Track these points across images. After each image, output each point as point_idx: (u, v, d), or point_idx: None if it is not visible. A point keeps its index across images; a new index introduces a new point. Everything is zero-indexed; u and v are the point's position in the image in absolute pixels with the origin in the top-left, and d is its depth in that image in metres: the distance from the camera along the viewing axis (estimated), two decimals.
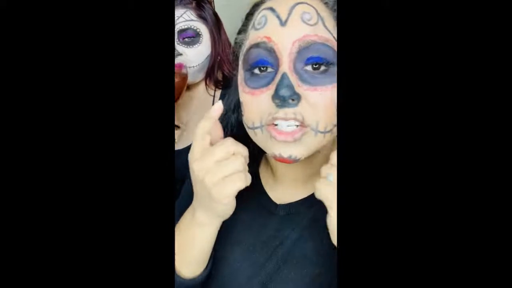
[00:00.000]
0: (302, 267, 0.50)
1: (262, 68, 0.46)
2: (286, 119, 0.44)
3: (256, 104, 0.46)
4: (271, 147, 0.46)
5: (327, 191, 0.41)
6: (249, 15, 0.51)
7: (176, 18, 0.89)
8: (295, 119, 0.43)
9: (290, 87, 0.43)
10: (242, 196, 0.53)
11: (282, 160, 0.46)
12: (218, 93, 0.99)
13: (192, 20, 0.91)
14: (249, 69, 0.47)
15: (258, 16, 0.48)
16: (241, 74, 0.49)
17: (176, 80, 1.05)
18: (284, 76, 0.43)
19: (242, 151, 0.45)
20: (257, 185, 0.58)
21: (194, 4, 0.92)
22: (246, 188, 0.49)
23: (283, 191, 0.56)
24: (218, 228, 0.51)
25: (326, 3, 0.47)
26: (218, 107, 0.46)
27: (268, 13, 0.46)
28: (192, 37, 0.90)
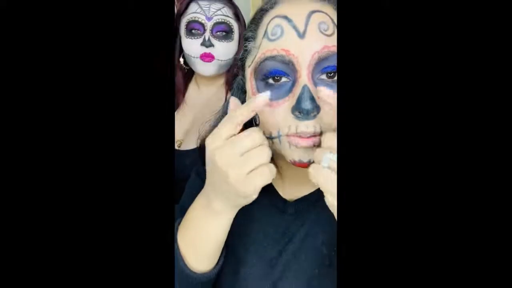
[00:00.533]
0: (312, 262, 0.50)
1: (276, 78, 0.46)
2: (307, 133, 0.44)
3: (274, 115, 0.45)
4: (291, 154, 0.46)
5: (322, 175, 0.41)
6: (256, 21, 0.50)
7: (214, 11, 0.91)
8: (314, 132, 0.44)
9: (312, 99, 0.43)
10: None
11: (301, 165, 0.46)
12: (229, 95, 0.99)
13: (228, 16, 0.93)
14: (263, 79, 0.46)
15: (271, 25, 0.46)
16: (251, 83, 0.48)
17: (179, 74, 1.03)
18: (305, 88, 0.43)
19: (267, 142, 0.43)
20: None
21: (230, 2, 0.94)
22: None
23: (291, 188, 0.56)
24: (233, 216, 0.49)
25: (335, 9, 0.46)
26: (264, 100, 0.42)
27: (284, 23, 0.45)
28: (226, 32, 0.92)
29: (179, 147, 0.99)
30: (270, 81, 0.46)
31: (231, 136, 0.42)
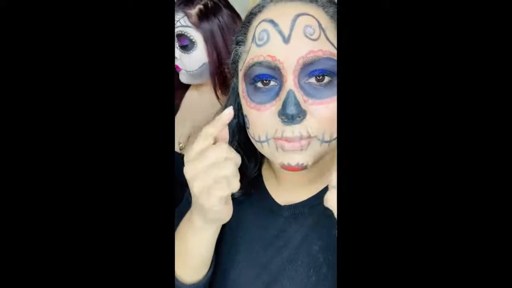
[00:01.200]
0: (307, 267, 0.50)
1: (265, 81, 0.46)
2: (294, 137, 0.44)
3: (262, 120, 0.46)
4: (279, 157, 0.46)
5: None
6: (246, 24, 0.50)
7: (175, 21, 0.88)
8: (300, 136, 0.44)
9: (297, 105, 0.43)
10: (247, 198, 0.55)
11: (290, 168, 0.46)
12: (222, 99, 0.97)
13: (187, 26, 0.88)
14: (252, 82, 0.47)
15: (258, 29, 0.47)
16: (242, 86, 0.49)
17: None
18: (290, 93, 0.43)
19: (235, 157, 0.42)
20: (261, 186, 0.58)
21: (196, 9, 0.88)
22: (250, 189, 0.49)
23: (286, 193, 0.56)
24: (217, 233, 0.50)
25: (326, 11, 0.46)
26: (229, 113, 0.43)
27: (270, 28, 0.45)
28: (186, 44, 0.88)
29: (180, 150, 0.99)
30: (259, 84, 0.46)
31: (201, 150, 0.42)
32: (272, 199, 0.57)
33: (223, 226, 0.51)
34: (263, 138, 0.47)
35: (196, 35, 0.88)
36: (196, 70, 0.91)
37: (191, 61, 0.90)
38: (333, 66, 0.44)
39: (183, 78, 0.94)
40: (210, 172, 0.41)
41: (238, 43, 0.51)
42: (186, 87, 1.06)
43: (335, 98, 0.44)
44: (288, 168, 0.46)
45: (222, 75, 0.92)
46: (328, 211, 0.42)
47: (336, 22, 0.46)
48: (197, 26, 0.88)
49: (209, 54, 0.90)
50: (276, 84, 0.46)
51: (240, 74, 0.50)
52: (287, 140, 0.45)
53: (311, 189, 0.54)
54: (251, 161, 0.58)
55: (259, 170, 0.60)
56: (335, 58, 0.44)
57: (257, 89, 0.47)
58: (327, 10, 0.46)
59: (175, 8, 0.88)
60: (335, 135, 0.45)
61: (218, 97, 0.96)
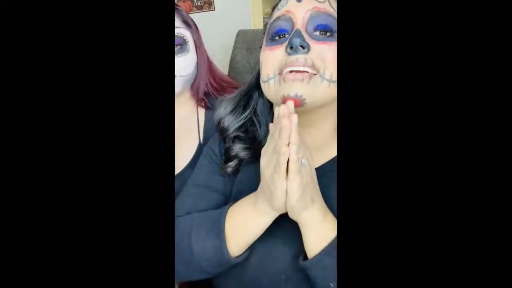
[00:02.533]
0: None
1: (280, 36, 0.55)
2: (297, 64, 0.51)
3: (272, 57, 0.54)
4: (281, 90, 0.52)
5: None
6: (274, 7, 0.61)
7: None
8: (304, 64, 0.51)
9: (301, 37, 0.51)
10: (254, 173, 0.57)
11: (288, 99, 0.50)
12: (202, 113, 0.91)
13: (178, 27, 0.84)
14: (271, 38, 0.56)
15: (282, 1, 0.58)
16: (264, 44, 0.58)
17: None
18: (297, 30, 0.53)
19: (286, 151, 0.45)
20: None
21: (178, 10, 0.86)
22: (256, 156, 0.56)
23: None
24: (272, 220, 0.54)
25: None
26: (288, 108, 0.45)
27: None
28: (180, 45, 0.84)
29: None
30: (276, 38, 0.56)
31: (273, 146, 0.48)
32: None
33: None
34: (271, 75, 0.54)
35: (186, 34, 0.85)
36: (190, 73, 0.87)
37: (187, 62, 0.85)
38: (333, 23, 0.53)
39: (178, 87, 0.86)
40: (272, 160, 0.47)
41: (266, 23, 0.60)
42: None
43: (335, 43, 0.52)
44: (287, 98, 0.50)
45: (201, 80, 0.89)
46: (331, 179, 0.52)
47: None
48: (184, 23, 0.86)
49: (197, 50, 0.88)
50: (289, 35, 0.55)
51: (264, 38, 0.59)
52: (292, 72, 0.51)
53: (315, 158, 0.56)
54: (263, 129, 0.64)
55: None
56: (335, 17, 0.54)
57: (273, 40, 0.56)
58: None
59: None
60: (334, 77, 0.52)
61: (200, 106, 0.91)
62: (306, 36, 0.52)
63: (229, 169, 0.63)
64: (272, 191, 0.48)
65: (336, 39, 0.53)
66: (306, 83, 0.50)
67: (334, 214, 0.53)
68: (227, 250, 0.54)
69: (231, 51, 1.40)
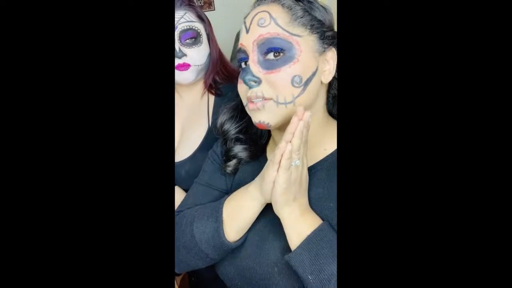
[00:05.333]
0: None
1: (242, 64, 0.62)
2: (252, 97, 0.58)
3: (241, 89, 0.62)
4: (252, 117, 0.60)
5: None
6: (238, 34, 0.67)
7: (176, 20, 0.90)
8: (257, 96, 0.57)
9: (250, 73, 0.57)
10: (252, 172, 0.64)
11: (258, 125, 0.59)
12: (212, 99, 0.99)
13: (192, 21, 0.92)
14: (239, 63, 0.63)
15: (241, 30, 0.63)
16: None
17: None
18: (246, 67, 0.59)
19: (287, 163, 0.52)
20: (263, 156, 0.70)
21: (191, 6, 0.93)
22: (257, 154, 0.66)
23: None
24: (262, 207, 0.60)
25: (282, 4, 0.59)
26: (300, 120, 0.51)
27: (242, 25, 0.62)
28: (194, 38, 0.91)
29: None
30: (242, 64, 0.62)
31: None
32: None
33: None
34: (244, 102, 0.62)
35: (200, 27, 0.93)
36: (204, 63, 0.94)
37: (200, 53, 0.93)
38: (281, 43, 0.57)
39: (191, 75, 0.93)
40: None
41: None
42: None
43: (284, 68, 0.56)
44: (257, 125, 0.59)
45: (212, 70, 0.96)
46: (324, 176, 0.58)
47: (290, 10, 0.58)
48: (198, 18, 0.93)
49: (210, 43, 0.95)
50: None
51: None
52: (251, 101, 0.58)
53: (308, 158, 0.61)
54: (260, 131, 0.71)
55: (265, 144, 0.72)
56: (283, 37, 0.57)
57: (240, 67, 0.63)
58: (283, 3, 0.59)
59: (177, 8, 0.91)
60: (289, 99, 0.57)
61: (210, 93, 0.98)
62: (256, 69, 0.57)
63: (229, 169, 0.69)
64: (264, 177, 0.54)
65: (288, 56, 0.56)
66: (263, 110, 0.58)
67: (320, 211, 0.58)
68: (223, 233, 0.59)
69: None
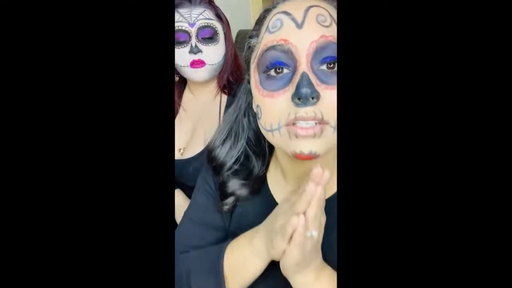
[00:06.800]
0: None
1: (278, 70, 0.46)
2: (306, 119, 0.44)
3: (275, 106, 0.46)
4: (292, 145, 0.46)
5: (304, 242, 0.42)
6: (260, 20, 0.52)
7: (195, 16, 0.90)
8: (314, 118, 0.44)
9: (311, 85, 0.43)
10: (252, 208, 0.56)
11: (303, 157, 0.45)
12: (224, 99, 0.99)
13: (211, 19, 0.92)
14: (265, 71, 0.47)
15: (272, 19, 0.48)
16: (255, 78, 0.49)
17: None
18: (304, 75, 0.44)
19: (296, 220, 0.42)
20: (264, 188, 0.59)
21: (211, 4, 0.94)
22: (255, 188, 0.55)
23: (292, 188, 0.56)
24: (266, 264, 0.51)
25: (334, 6, 0.49)
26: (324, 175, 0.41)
27: (283, 17, 0.47)
28: (211, 36, 0.91)
29: (182, 155, 0.98)
30: (272, 73, 0.47)
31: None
32: (274, 199, 0.58)
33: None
34: (275, 126, 0.46)
35: (218, 26, 0.93)
36: (219, 62, 0.94)
37: (216, 52, 0.93)
38: (335, 52, 0.45)
39: (205, 74, 0.93)
40: (286, 215, 0.44)
41: (251, 37, 0.52)
42: (181, 91, 1.06)
43: (335, 77, 0.45)
44: (301, 156, 0.45)
45: (226, 71, 0.96)
46: (329, 211, 0.46)
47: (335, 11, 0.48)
48: (217, 16, 0.94)
49: (226, 43, 0.95)
50: (289, 71, 0.46)
51: (252, 66, 0.51)
52: (301, 127, 0.44)
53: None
54: (259, 160, 0.59)
55: (266, 170, 0.60)
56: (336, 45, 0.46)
57: (270, 77, 0.47)
58: (335, 5, 0.49)
59: (196, 5, 0.92)
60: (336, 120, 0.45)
61: (223, 92, 0.97)
62: (314, 78, 0.44)
63: (226, 207, 0.59)
64: (273, 243, 0.45)
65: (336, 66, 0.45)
66: (317, 137, 0.44)
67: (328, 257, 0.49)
68: None
69: None
